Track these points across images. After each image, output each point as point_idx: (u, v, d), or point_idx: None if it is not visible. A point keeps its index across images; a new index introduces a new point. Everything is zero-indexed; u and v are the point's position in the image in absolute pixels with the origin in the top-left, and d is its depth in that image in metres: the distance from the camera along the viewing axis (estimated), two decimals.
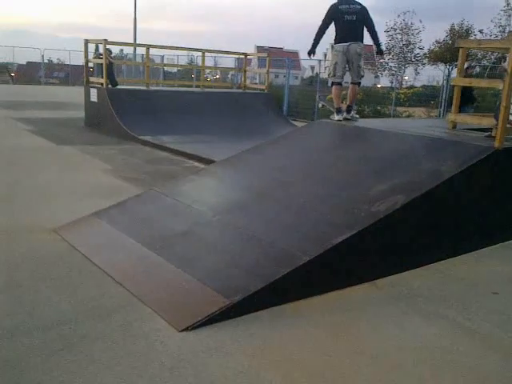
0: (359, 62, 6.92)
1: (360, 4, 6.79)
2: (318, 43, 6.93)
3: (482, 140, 5.45)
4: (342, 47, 6.82)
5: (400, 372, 2.95)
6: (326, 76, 7.63)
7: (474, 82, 7.68)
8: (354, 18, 6.70)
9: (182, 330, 3.20)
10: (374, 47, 7.11)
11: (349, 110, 7.13)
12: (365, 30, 6.88)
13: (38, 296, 3.59)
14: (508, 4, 28.28)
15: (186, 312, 3.41)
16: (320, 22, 6.89)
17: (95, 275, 3.97)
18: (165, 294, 3.67)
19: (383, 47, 6.54)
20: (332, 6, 6.84)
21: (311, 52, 6.98)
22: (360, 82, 7.21)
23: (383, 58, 7.79)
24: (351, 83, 7.23)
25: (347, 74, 7.19)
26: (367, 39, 7.05)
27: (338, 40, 6.87)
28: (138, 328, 3.23)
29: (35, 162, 8.37)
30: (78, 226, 5.03)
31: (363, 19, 6.77)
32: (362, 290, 4.03)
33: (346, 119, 7.05)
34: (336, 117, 7.07)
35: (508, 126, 6.06)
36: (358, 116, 7.53)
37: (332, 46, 6.95)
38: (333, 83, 7.17)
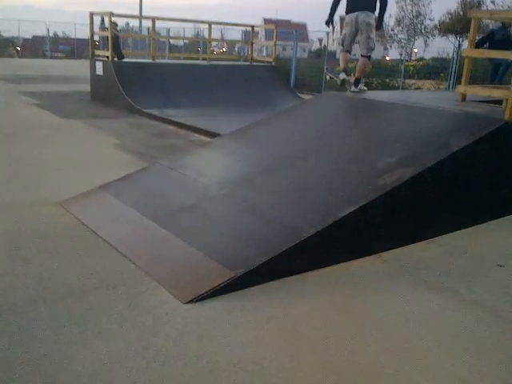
0: (369, 33, 6.81)
1: None
2: (335, 13, 6.93)
3: (492, 112, 5.36)
4: (350, 18, 6.79)
5: (406, 344, 2.96)
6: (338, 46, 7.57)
7: (486, 54, 7.54)
8: None
9: (187, 303, 3.22)
10: (376, 18, 6.89)
11: (356, 83, 7.09)
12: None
13: (44, 269, 3.61)
14: None
15: (191, 284, 3.42)
16: None
17: (101, 248, 3.99)
18: (170, 267, 3.68)
19: (384, 24, 6.43)
20: None
21: (329, 22, 7.02)
22: (370, 56, 7.11)
23: (380, 33, 7.61)
24: (361, 55, 7.14)
25: (356, 46, 7.10)
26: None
27: (347, 10, 6.85)
28: (144, 300, 3.25)
29: (41, 136, 8.36)
30: (84, 200, 5.03)
31: None
32: (367, 262, 4.02)
33: (353, 92, 7.04)
34: (340, 76, 7.08)
35: None
36: (365, 88, 7.46)
37: (342, 18, 6.87)
38: (342, 50, 7.25)
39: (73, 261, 3.76)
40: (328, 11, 6.95)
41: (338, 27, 68.07)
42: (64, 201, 5.00)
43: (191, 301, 3.23)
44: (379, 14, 6.89)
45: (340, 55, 7.34)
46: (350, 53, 7.23)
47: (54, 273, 3.56)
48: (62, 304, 3.16)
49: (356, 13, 6.75)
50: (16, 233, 4.26)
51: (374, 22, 6.83)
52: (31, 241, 4.10)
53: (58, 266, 3.68)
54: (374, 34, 6.90)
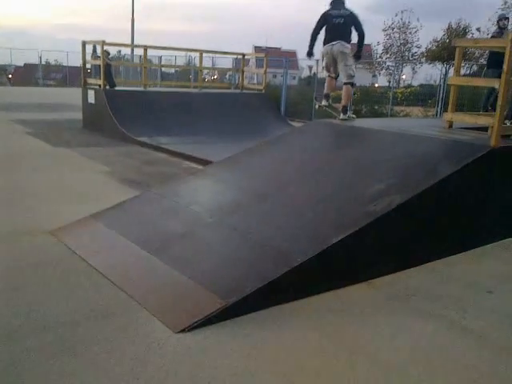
0: (345, 62, 7.20)
1: (350, 11, 7.22)
2: (314, 45, 7.32)
3: (478, 139, 5.47)
4: (326, 49, 7.26)
5: (396, 372, 2.97)
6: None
7: (471, 81, 7.71)
8: (342, 21, 7.13)
9: (179, 332, 3.21)
10: (355, 49, 7.40)
11: (345, 111, 7.34)
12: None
13: (35, 299, 3.60)
14: (505, 2, 28.28)
15: (183, 313, 3.42)
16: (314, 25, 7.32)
17: (92, 277, 3.98)
18: (161, 295, 3.69)
19: (362, 54, 7.36)
20: (324, 11, 7.34)
21: (310, 53, 7.45)
22: (352, 83, 7.46)
23: (358, 63, 7.97)
24: (343, 84, 7.49)
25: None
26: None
27: (325, 42, 7.28)
28: (135, 330, 3.24)
29: (32, 165, 8.38)
30: (76, 228, 5.03)
31: (351, 23, 7.15)
32: (358, 289, 4.04)
33: (343, 119, 7.27)
34: (322, 102, 7.63)
35: (509, 124, 6.10)
36: (354, 116, 7.72)
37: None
38: (328, 76, 7.62)
39: (64, 290, 3.75)
40: (308, 43, 7.35)
41: None
42: (55, 230, 5.00)
43: (183, 330, 3.23)
44: (358, 43, 7.34)
45: (326, 80, 7.69)
46: (336, 79, 7.56)
47: (44, 302, 3.55)
48: (52, 334, 3.14)
49: (331, 44, 7.17)
50: (6, 262, 4.25)
51: (348, 51, 7.21)
52: (21, 270, 4.09)
53: (49, 295, 3.66)
54: (351, 62, 7.25)
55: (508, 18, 8.83)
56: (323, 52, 7.29)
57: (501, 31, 8.46)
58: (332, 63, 7.33)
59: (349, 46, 7.18)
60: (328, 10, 7.32)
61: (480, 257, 4.92)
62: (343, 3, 7.34)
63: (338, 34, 7.16)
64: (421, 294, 4.03)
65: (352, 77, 7.31)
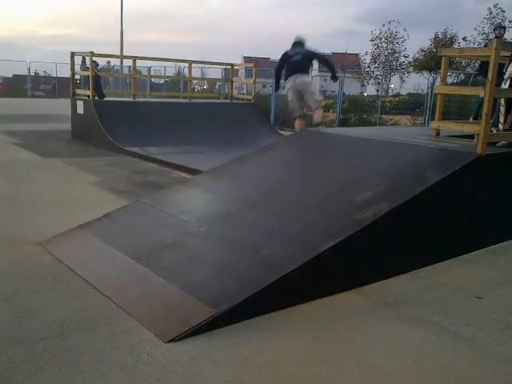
0: (310, 89, 8.09)
1: (308, 49, 8.25)
2: (279, 81, 8.48)
3: (464, 146, 5.53)
4: (289, 83, 8.07)
5: (387, 378, 2.97)
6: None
7: (457, 90, 7.80)
8: (300, 58, 8.06)
9: (169, 341, 3.20)
10: (330, 75, 8.37)
11: (316, 125, 8.18)
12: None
13: (23, 310, 3.57)
14: (490, 13, 28.68)
15: (173, 323, 3.41)
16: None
17: (81, 288, 3.96)
18: (151, 305, 3.67)
19: (338, 74, 8.84)
20: (284, 52, 8.42)
21: (276, 89, 8.74)
22: (320, 106, 8.22)
23: (336, 81, 8.51)
24: (314, 110, 8.28)
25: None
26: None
27: (286, 77, 8.14)
28: (125, 340, 3.22)
29: (22, 176, 8.33)
30: (64, 239, 5.01)
31: (309, 57, 8.21)
32: (348, 296, 4.05)
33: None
34: None
35: (495, 131, 6.18)
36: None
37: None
38: (295, 117, 8.35)
39: (52, 301, 3.73)
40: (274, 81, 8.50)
41: (316, 64, 69.61)
42: (43, 240, 4.97)
43: (173, 340, 3.22)
44: (330, 70, 8.40)
45: (296, 124, 8.37)
46: (304, 116, 8.41)
47: (32, 313, 3.52)
48: (41, 345, 3.11)
49: (292, 77, 8.00)
50: None
51: (310, 80, 8.22)
52: (9, 280, 4.05)
53: (37, 306, 3.64)
54: (315, 88, 8.10)
55: (504, 27, 8.99)
56: (287, 87, 8.08)
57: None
58: (298, 97, 8.08)
59: (308, 75, 8.10)
60: (287, 51, 8.32)
61: (469, 263, 4.96)
62: (302, 45, 8.27)
63: (297, 69, 8.02)
64: (410, 300, 4.05)
65: (320, 102, 8.15)
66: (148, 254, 4.37)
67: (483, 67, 8.62)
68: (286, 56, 8.22)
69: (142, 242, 4.67)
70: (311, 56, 8.18)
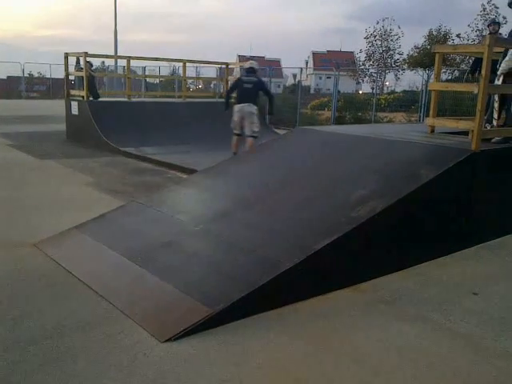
0: (252, 119, 8.96)
1: (257, 77, 9.28)
2: (228, 102, 9.40)
3: (459, 143, 5.54)
4: (237, 108, 9.03)
5: (383, 375, 2.98)
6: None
7: (451, 86, 7.81)
8: (250, 87, 9.01)
9: (165, 341, 3.20)
10: (268, 108, 9.74)
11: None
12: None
13: (19, 311, 3.56)
14: (484, 9, 28.72)
15: (169, 323, 3.40)
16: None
17: (77, 289, 3.95)
18: (147, 305, 3.66)
19: (274, 110, 10.16)
20: (238, 77, 9.73)
21: (226, 108, 9.32)
22: (255, 136, 8.99)
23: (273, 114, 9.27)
24: (247, 136, 9.04)
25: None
26: None
27: (237, 102, 9.09)
28: (121, 340, 3.22)
29: (17, 177, 8.31)
30: (60, 240, 4.99)
31: (258, 88, 9.15)
32: (344, 294, 4.06)
33: None
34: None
35: (489, 127, 6.19)
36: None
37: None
38: (234, 134, 9.23)
39: (48, 302, 3.72)
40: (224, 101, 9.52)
41: (310, 63, 69.69)
42: (39, 241, 4.95)
43: (169, 339, 3.21)
44: (269, 103, 9.80)
45: (232, 139, 9.22)
46: (240, 135, 9.16)
47: (28, 315, 3.51)
48: (37, 346, 3.11)
49: (242, 105, 8.96)
50: None
51: (255, 112, 9.01)
52: (4, 282, 4.04)
53: (33, 307, 3.63)
54: (256, 120, 9.03)
55: (498, 23, 8.91)
56: (235, 110, 9.05)
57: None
58: (240, 121, 9.06)
59: (255, 107, 9.01)
60: (241, 76, 9.69)
61: (465, 259, 4.97)
62: (254, 72, 9.24)
63: (247, 97, 8.99)
64: (406, 297, 4.06)
65: (255, 132, 8.99)
66: (144, 254, 4.36)
67: (475, 64, 8.61)
68: (239, 81, 9.36)
69: (138, 243, 4.66)
70: (260, 87, 9.30)
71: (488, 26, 8.89)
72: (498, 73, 6.10)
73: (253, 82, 9.08)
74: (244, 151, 8.68)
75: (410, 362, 3.13)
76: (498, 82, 6.14)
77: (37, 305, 3.67)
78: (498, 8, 27.81)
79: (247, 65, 9.51)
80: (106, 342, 3.19)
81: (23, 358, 2.98)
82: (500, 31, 8.70)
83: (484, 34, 28.05)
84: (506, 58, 5.92)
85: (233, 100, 9.35)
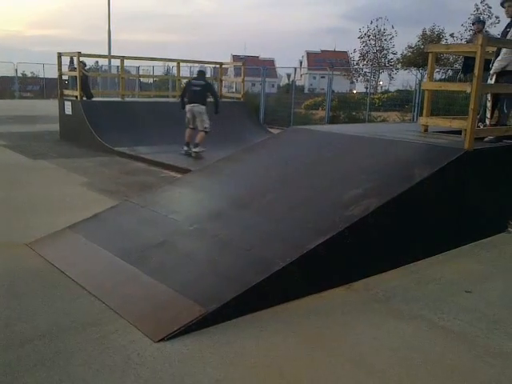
0: (202, 118, 10.41)
1: (206, 81, 10.82)
2: (183, 102, 10.66)
3: (452, 142, 5.56)
4: (188, 107, 10.48)
5: (377, 374, 2.98)
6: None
7: (444, 86, 7.83)
8: (199, 89, 10.41)
9: (158, 341, 3.19)
10: (214, 108, 10.60)
11: (196, 145, 10.42)
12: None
13: (12, 312, 3.54)
14: (477, 9, 28.82)
15: (162, 323, 3.40)
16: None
17: (70, 289, 3.93)
18: (140, 305, 3.65)
19: (219, 110, 10.80)
20: (188, 81, 11.40)
21: (182, 108, 10.58)
22: (206, 131, 10.48)
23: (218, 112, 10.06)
24: (199, 131, 10.50)
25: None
26: None
27: (188, 102, 10.51)
28: (114, 340, 3.21)
29: (10, 178, 8.26)
30: (53, 241, 4.97)
31: (206, 90, 10.53)
32: (338, 292, 4.06)
33: (195, 152, 10.40)
34: (184, 148, 10.55)
35: (482, 126, 6.22)
36: (203, 149, 10.40)
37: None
38: (187, 127, 10.62)
39: (41, 302, 3.70)
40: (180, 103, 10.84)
41: (305, 63, 69.73)
42: (32, 242, 4.93)
43: (162, 339, 3.21)
44: (215, 104, 10.61)
45: (186, 132, 10.58)
46: (194, 129, 10.51)
47: (21, 315, 3.50)
48: (29, 347, 3.09)
49: (192, 105, 10.38)
50: None
51: (203, 111, 10.36)
52: None
53: (26, 308, 3.61)
54: (205, 117, 10.43)
55: (483, 22, 8.85)
56: (186, 109, 10.47)
57: (476, 35, 8.53)
58: (192, 118, 10.44)
59: (203, 107, 10.37)
60: (191, 79, 11.31)
61: (458, 257, 4.99)
62: (204, 75, 10.96)
63: (196, 99, 10.37)
64: (400, 295, 4.07)
65: (206, 128, 10.42)
66: (137, 254, 4.35)
67: (466, 63, 8.57)
68: (189, 84, 10.87)
69: (132, 242, 4.64)
70: (208, 89, 10.68)
71: (472, 25, 8.84)
72: (491, 72, 6.12)
73: (201, 85, 10.56)
74: (195, 142, 10.40)
75: (403, 360, 3.14)
76: (491, 81, 6.17)
77: (30, 305, 3.65)
78: (490, 8, 27.93)
79: (199, 69, 11.24)
80: (99, 342, 3.18)
81: (16, 359, 2.96)
82: (493, 31, 8.71)
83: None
84: (499, 58, 5.94)
85: (186, 100, 10.69)
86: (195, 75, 11.42)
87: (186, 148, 10.54)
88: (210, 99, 10.65)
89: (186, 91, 10.74)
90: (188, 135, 10.57)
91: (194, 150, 10.41)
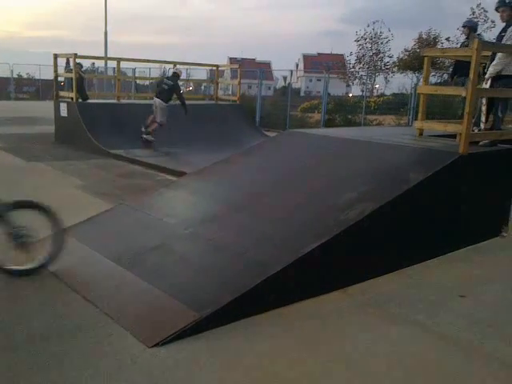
0: (161, 112, 11.85)
1: (175, 82, 12.23)
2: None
3: (447, 146, 5.57)
4: (154, 101, 12.10)
5: (373, 378, 2.98)
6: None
7: (440, 90, 7.85)
8: (167, 88, 11.97)
9: (153, 346, 3.18)
10: (183, 111, 12.04)
11: (147, 133, 11.95)
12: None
13: (6, 316, 3.53)
14: (473, 13, 28.95)
15: (157, 328, 3.38)
16: None
17: (64, 293, 3.91)
18: (135, 310, 3.64)
19: (187, 108, 12.20)
20: (161, 78, 14.01)
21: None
22: (160, 124, 11.92)
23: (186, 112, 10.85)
24: (155, 121, 11.95)
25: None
26: None
27: (155, 95, 12.15)
28: (108, 345, 3.20)
29: (4, 180, 8.22)
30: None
31: (172, 90, 12.03)
32: (334, 297, 4.06)
33: (146, 136, 11.93)
34: (142, 129, 11.96)
35: (477, 131, 6.23)
36: (145, 138, 11.92)
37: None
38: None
39: (35, 306, 3.68)
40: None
41: (301, 65, 69.85)
42: None
43: (157, 344, 3.19)
44: (182, 104, 12.14)
45: (149, 117, 12.08)
46: (154, 118, 12.06)
47: (15, 319, 3.48)
48: (23, 351, 3.08)
49: (157, 99, 11.92)
50: None
51: (164, 106, 11.85)
52: None
53: (20, 312, 3.59)
54: (163, 113, 11.87)
55: (470, 26, 8.65)
56: (153, 101, 12.09)
57: (467, 39, 8.48)
58: (155, 110, 11.99)
59: (165, 104, 11.87)
60: (164, 78, 13.30)
61: (453, 261, 5.00)
62: (176, 77, 12.37)
63: (162, 95, 11.93)
64: (395, 300, 4.07)
65: (161, 121, 11.86)
66: (132, 258, 4.34)
67: (456, 67, 8.51)
68: (161, 81, 12.60)
69: (126, 246, 4.63)
70: (174, 90, 12.11)
71: (463, 27, 8.67)
72: (486, 76, 6.15)
73: (169, 85, 12.01)
74: (148, 129, 11.91)
75: (398, 365, 3.14)
76: (486, 85, 6.19)
77: (24, 309, 3.64)
78: (487, 12, 28.03)
79: (173, 70, 12.89)
80: (93, 347, 3.17)
81: (9, 364, 2.95)
82: (489, 35, 8.64)
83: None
84: (494, 62, 5.96)
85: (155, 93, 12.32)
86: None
87: (143, 129, 11.97)
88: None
89: (158, 86, 12.41)
90: (149, 120, 12.07)
91: (144, 136, 11.90)
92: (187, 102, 12.60)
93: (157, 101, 11.97)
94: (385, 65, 36.67)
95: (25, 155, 10.68)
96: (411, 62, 30.37)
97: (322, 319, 3.70)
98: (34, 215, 4.32)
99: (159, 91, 12.05)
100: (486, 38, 12.42)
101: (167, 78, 12.61)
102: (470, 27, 8.26)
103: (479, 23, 27.19)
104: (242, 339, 3.35)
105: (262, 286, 3.68)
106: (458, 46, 26.94)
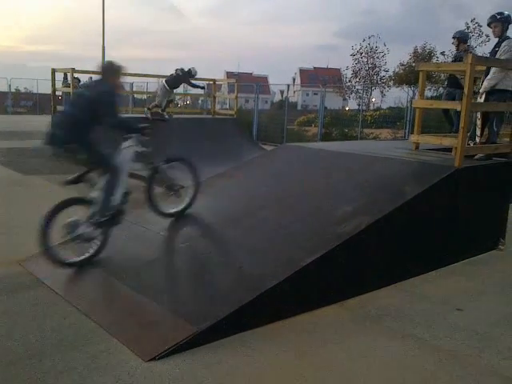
0: (161, 93, 12.68)
1: (186, 74, 12.65)
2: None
3: (443, 160, 5.61)
4: (159, 83, 13.36)
5: None
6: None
7: (435, 104, 7.91)
8: (177, 74, 12.55)
9: (149, 360, 3.17)
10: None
11: (163, 110, 12.73)
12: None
13: (1, 330, 3.51)
14: (468, 27, 29.22)
15: (153, 342, 3.37)
16: None
17: (61, 307, 3.90)
18: (131, 323, 3.63)
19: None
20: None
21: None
22: (156, 104, 12.88)
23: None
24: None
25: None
26: None
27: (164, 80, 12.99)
28: (105, 360, 3.18)
29: (1, 194, 8.22)
30: (43, 258, 4.92)
31: (182, 77, 12.61)
32: (330, 311, 4.06)
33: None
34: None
35: (472, 144, 6.28)
36: (164, 114, 12.69)
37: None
38: None
39: (31, 320, 3.67)
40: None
41: (298, 80, 70.29)
42: (22, 259, 4.90)
43: (153, 358, 3.18)
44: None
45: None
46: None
47: (11, 333, 3.46)
48: (19, 366, 3.06)
49: (162, 81, 12.69)
50: None
51: (166, 90, 12.45)
52: None
53: (16, 325, 3.58)
54: (163, 95, 12.61)
55: (458, 37, 8.47)
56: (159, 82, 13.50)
57: (458, 52, 8.39)
58: (158, 92, 12.96)
59: (167, 87, 12.43)
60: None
61: (450, 274, 5.00)
62: (189, 72, 12.65)
63: (170, 80, 12.40)
64: (392, 313, 4.07)
65: (158, 101, 12.72)
66: (128, 272, 4.33)
67: (450, 81, 8.46)
68: (177, 69, 12.80)
69: (123, 260, 4.63)
70: (184, 77, 12.67)
71: (453, 38, 8.50)
72: (481, 91, 6.20)
73: (182, 73, 12.55)
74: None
75: (395, 378, 3.13)
76: (481, 99, 6.24)
77: (20, 323, 3.62)
78: (481, 26, 28.32)
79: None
80: (89, 361, 3.15)
81: (4, 378, 2.93)
82: (484, 49, 8.59)
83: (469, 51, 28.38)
84: (488, 77, 6.02)
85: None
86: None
87: (160, 111, 12.81)
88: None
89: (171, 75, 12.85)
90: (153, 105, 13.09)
91: (164, 114, 12.84)
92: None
93: (162, 83, 12.71)
94: (381, 79, 36.94)
95: (21, 169, 10.67)
96: (407, 76, 30.55)
97: (319, 332, 3.69)
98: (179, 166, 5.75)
99: (169, 76, 12.65)
100: (480, 52, 12.44)
101: (182, 69, 12.92)
102: (459, 38, 8.23)
103: (473, 37, 27.53)
104: (239, 353, 3.34)
105: (258, 299, 3.68)
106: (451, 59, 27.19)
